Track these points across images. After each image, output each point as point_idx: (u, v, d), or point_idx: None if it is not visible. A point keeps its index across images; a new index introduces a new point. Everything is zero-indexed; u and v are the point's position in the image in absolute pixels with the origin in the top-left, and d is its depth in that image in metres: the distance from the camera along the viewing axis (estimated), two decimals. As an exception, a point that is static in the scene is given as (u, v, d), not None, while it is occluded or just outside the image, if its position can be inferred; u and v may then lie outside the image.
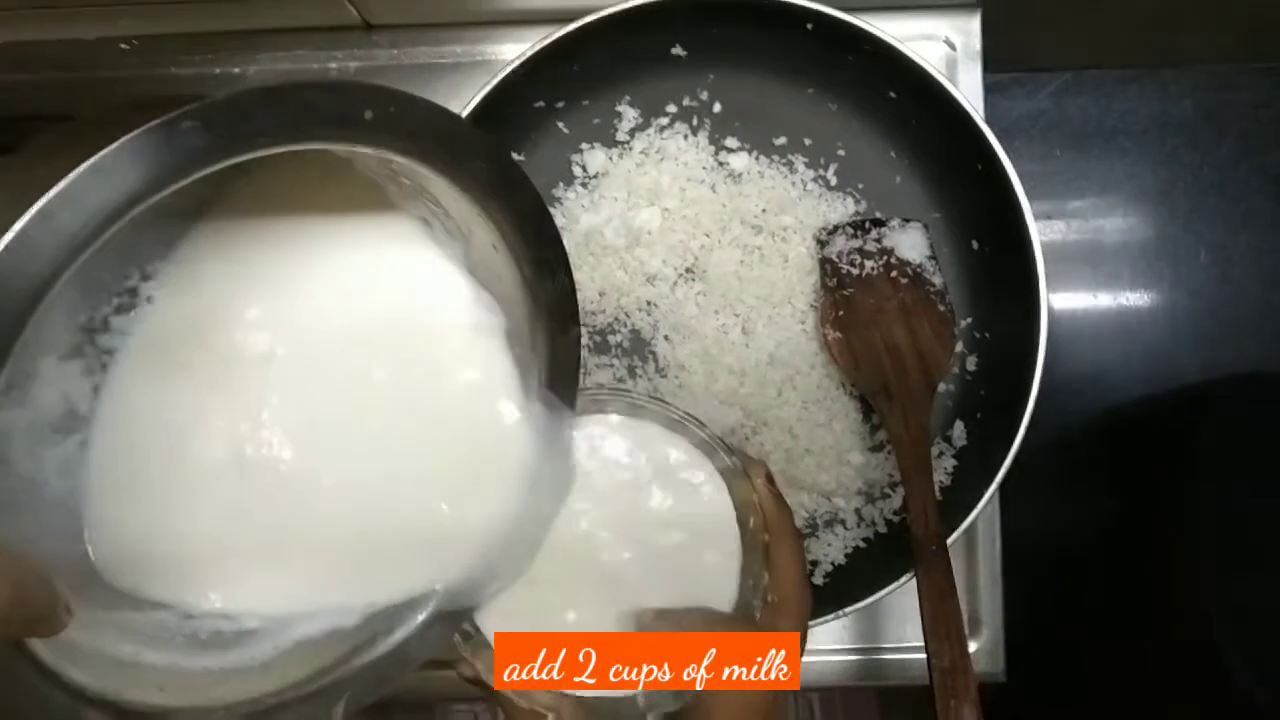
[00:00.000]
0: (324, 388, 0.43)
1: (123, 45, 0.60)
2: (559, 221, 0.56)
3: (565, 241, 0.55)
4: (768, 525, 0.42)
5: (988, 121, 0.53)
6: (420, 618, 0.40)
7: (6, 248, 0.26)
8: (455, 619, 0.40)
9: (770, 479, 0.43)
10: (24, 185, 0.27)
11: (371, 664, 0.39)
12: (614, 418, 0.44)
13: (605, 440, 0.44)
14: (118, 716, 0.35)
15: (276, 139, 0.31)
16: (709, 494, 0.44)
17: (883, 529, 0.56)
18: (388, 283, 0.43)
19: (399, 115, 0.34)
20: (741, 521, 0.43)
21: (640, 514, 0.43)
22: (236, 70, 0.60)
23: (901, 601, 0.53)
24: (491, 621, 0.41)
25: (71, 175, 0.27)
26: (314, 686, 0.38)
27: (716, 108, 0.57)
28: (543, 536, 0.41)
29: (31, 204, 0.26)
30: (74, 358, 0.40)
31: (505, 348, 0.43)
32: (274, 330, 0.42)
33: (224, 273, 0.42)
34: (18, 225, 0.26)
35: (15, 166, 0.30)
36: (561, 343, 0.41)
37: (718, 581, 0.43)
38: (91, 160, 0.27)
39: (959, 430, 0.56)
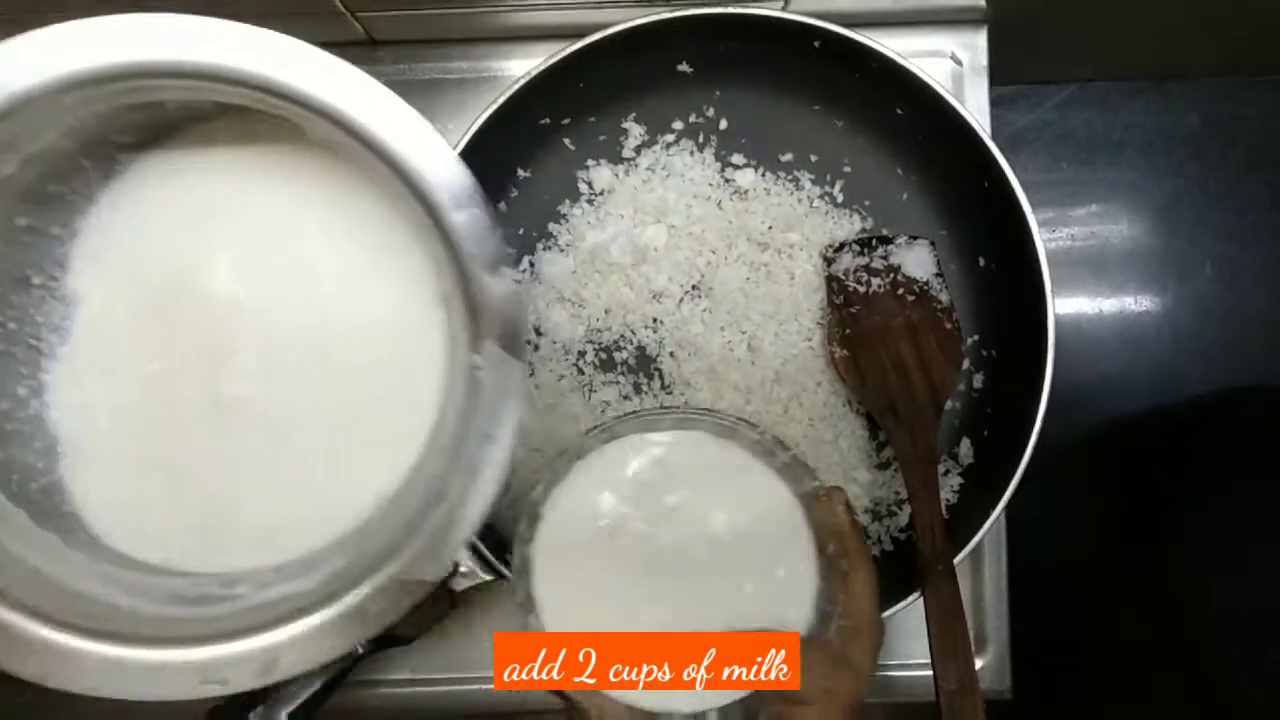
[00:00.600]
0: (282, 332, 0.46)
1: (127, 60, 0.60)
2: (564, 239, 0.56)
3: (570, 259, 0.56)
4: (846, 551, 0.42)
5: (993, 134, 0.53)
6: (374, 582, 0.40)
7: None
8: (411, 590, 0.41)
9: (848, 506, 0.43)
10: None
11: (321, 626, 0.40)
12: (698, 434, 0.44)
13: (683, 456, 0.44)
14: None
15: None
16: (786, 517, 0.44)
17: (889, 546, 0.55)
18: (346, 245, 0.46)
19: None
20: (820, 546, 0.43)
21: (715, 533, 0.43)
22: (241, 86, 0.60)
23: (909, 618, 0.52)
24: (554, 622, 0.42)
25: None
26: (249, 642, 0.40)
27: (723, 124, 0.57)
28: (493, 494, 0.41)
29: None
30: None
31: (439, 304, 0.45)
32: (237, 273, 0.46)
33: (194, 223, 0.46)
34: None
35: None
36: (496, 287, 0.40)
37: (791, 603, 0.43)
38: None
39: (966, 448, 0.55)
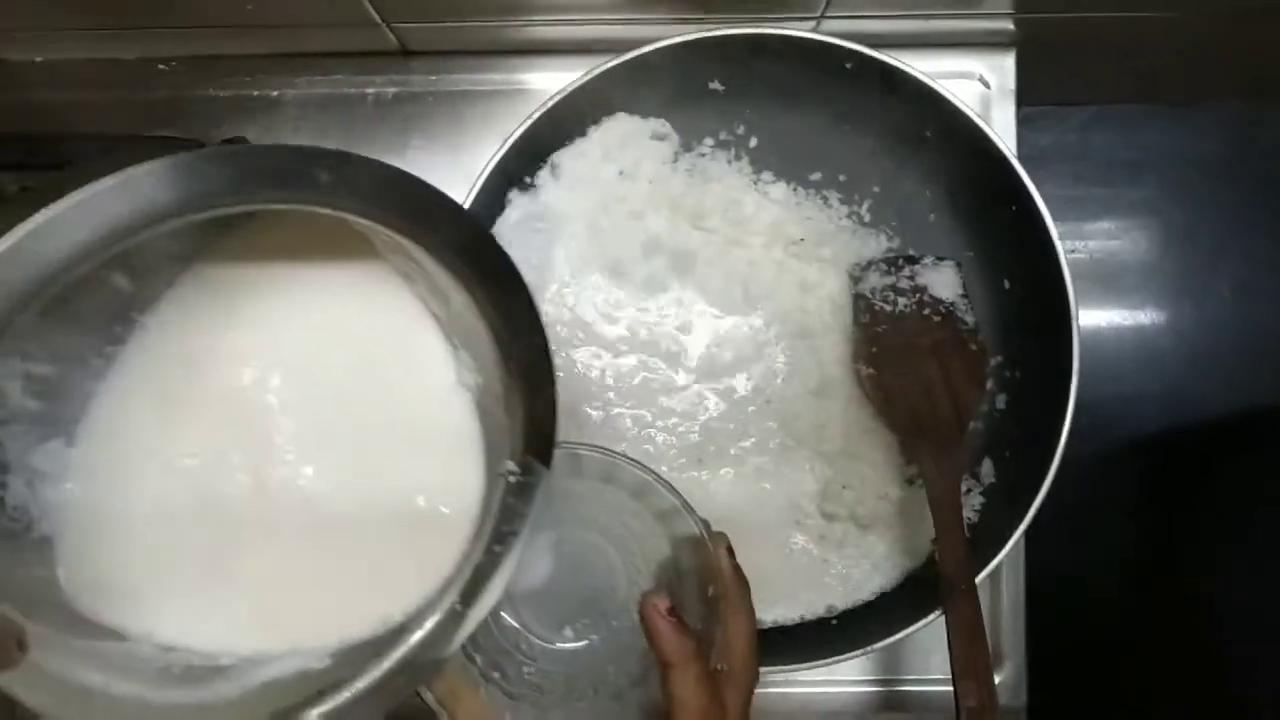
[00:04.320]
0: (313, 422, 0.44)
1: (161, 66, 0.60)
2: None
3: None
4: (726, 596, 0.41)
5: (1017, 154, 0.53)
6: (387, 665, 0.38)
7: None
8: (421, 672, 0.39)
9: (730, 551, 0.42)
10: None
11: (336, 710, 0.37)
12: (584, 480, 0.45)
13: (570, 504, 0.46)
14: None
15: (229, 198, 0.33)
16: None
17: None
18: (368, 329, 0.45)
19: (356, 178, 0.35)
20: (702, 589, 0.42)
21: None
22: (274, 93, 0.60)
23: (926, 634, 0.53)
24: None
25: (37, 217, 0.29)
26: None
27: (753, 142, 0.57)
28: (503, 587, 0.40)
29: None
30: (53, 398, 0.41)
31: (473, 405, 0.44)
32: (266, 368, 0.44)
33: (216, 316, 0.44)
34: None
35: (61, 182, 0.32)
36: (537, 404, 0.40)
37: None
38: (46, 211, 0.29)
39: (988, 468, 0.56)
